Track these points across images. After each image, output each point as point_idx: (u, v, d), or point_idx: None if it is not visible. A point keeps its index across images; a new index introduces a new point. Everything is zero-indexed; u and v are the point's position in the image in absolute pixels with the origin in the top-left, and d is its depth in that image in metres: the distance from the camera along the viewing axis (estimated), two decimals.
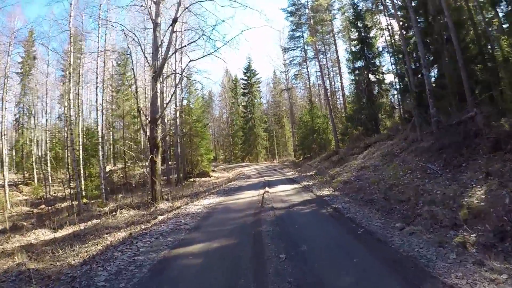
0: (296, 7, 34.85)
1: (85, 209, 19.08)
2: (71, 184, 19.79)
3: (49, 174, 30.33)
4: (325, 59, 38.75)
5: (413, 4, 13.20)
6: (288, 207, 9.72)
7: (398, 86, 24.34)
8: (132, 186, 28.43)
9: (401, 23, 15.97)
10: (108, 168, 34.48)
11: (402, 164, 10.29)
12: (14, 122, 37.63)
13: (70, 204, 18.51)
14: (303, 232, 6.88)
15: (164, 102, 19.50)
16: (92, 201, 23.32)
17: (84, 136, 27.33)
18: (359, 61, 22.93)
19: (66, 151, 23.30)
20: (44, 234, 13.19)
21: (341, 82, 35.79)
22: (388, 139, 15.69)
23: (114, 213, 14.62)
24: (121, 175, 32.36)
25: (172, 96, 19.74)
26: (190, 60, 17.35)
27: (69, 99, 19.37)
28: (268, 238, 6.64)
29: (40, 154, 35.72)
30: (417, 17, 14.07)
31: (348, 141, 22.67)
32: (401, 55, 17.51)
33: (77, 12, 22.56)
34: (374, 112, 20.46)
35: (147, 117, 16.08)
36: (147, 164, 16.11)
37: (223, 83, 63.76)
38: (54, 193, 29.64)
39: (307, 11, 31.81)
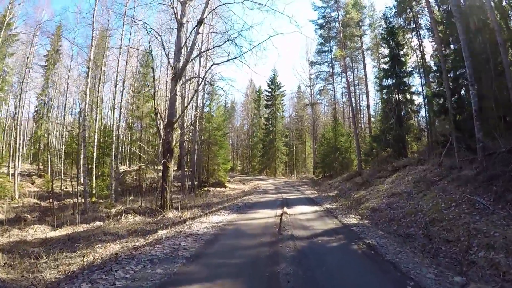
0: (326, 20, 33.91)
1: (91, 209, 18.42)
2: (80, 181, 18.99)
3: (62, 168, 30.01)
4: (352, 76, 37.66)
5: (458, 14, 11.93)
6: (311, 237, 7.97)
7: (426, 108, 23.40)
8: (144, 189, 27.83)
9: (440, 37, 14.79)
10: (122, 168, 34.09)
11: (443, 194, 8.99)
12: (35, 113, 37.68)
13: (77, 201, 17.78)
14: (334, 282, 5.04)
15: (183, 106, 18.52)
16: (101, 201, 22.79)
17: (100, 134, 26.94)
18: (389, 79, 21.75)
19: (78, 147, 22.71)
20: (42, 231, 12.67)
21: (367, 101, 34.73)
22: (418, 164, 14.47)
23: (118, 217, 13.88)
24: (134, 177, 31.70)
25: (191, 100, 18.79)
26: (213, 64, 16.47)
27: (86, 94, 18.75)
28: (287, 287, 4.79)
29: (56, 148, 35.69)
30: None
31: (372, 162, 21.39)
32: (434, 74, 16.33)
33: (103, 8, 22.33)
34: (403, 134, 19.17)
35: (163, 119, 15.34)
36: (159, 168, 15.31)
37: (247, 94, 63.36)
38: (66, 187, 29.51)
39: (337, 24, 30.76)
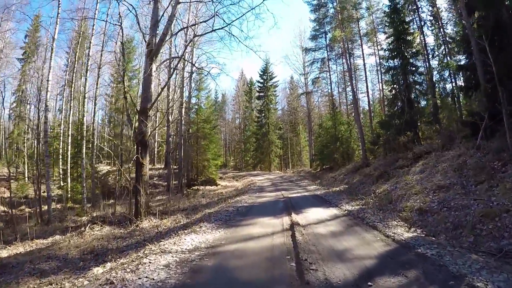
0: (322, 1, 31.61)
1: (58, 217, 15.88)
2: (40, 184, 16.41)
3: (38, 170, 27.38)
4: (348, 63, 35.30)
5: None
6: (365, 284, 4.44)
7: (438, 88, 21.31)
8: (125, 191, 25.42)
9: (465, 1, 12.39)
10: (105, 169, 31.51)
11: None
12: (11, 111, 35.02)
13: (39, 209, 15.27)
14: None
15: (159, 89, 15.77)
16: (77, 206, 20.32)
17: (77, 131, 24.30)
18: (395, 59, 19.50)
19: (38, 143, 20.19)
20: None
21: (367, 88, 32.40)
22: (444, 149, 12.15)
23: (83, 228, 11.44)
24: (118, 178, 29.11)
25: (168, 80, 16.02)
26: (195, 35, 13.90)
27: (48, 81, 16.11)
28: None
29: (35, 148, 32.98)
30: None
31: (381, 151, 19.02)
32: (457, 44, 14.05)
33: None
34: (415, 118, 16.87)
35: (136, 106, 12.87)
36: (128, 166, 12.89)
37: (238, 86, 61.09)
38: (43, 192, 27.05)
39: (335, 3, 28.25)
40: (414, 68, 19.25)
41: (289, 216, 9.61)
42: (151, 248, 6.70)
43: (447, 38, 22.05)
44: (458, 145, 11.75)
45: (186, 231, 8.34)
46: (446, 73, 21.77)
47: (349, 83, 36.85)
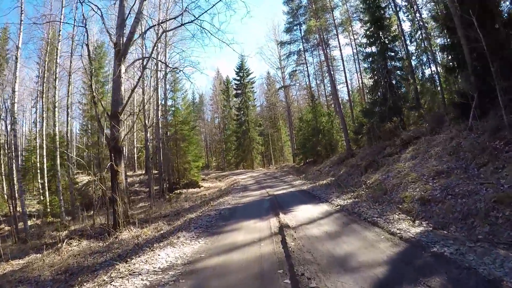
0: None
1: (36, 234, 14.86)
2: (16, 201, 15.30)
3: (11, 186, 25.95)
4: (325, 52, 34.90)
5: None
6: None
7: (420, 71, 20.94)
8: (106, 200, 24.30)
9: None
10: (85, 179, 30.17)
11: None
12: None
13: (14, 227, 14.20)
14: None
15: (129, 91, 14.74)
16: (57, 220, 19.19)
17: (51, 142, 23.03)
18: (373, 46, 19.11)
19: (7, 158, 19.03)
20: None
21: (345, 77, 31.99)
22: (433, 133, 11.69)
23: (60, 245, 10.55)
24: (100, 188, 27.83)
25: (138, 81, 14.97)
26: (164, 31, 13.08)
27: (14, 91, 14.97)
28: None
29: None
30: None
31: (365, 140, 18.55)
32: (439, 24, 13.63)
33: None
34: (399, 104, 16.45)
35: (106, 110, 11.97)
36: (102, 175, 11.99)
37: (214, 86, 60.15)
38: (28, 207, 25.85)
39: None
40: (393, 54, 18.91)
41: (277, 216, 8.75)
42: (119, 269, 5.76)
43: (424, 23, 21.81)
44: (448, 127, 11.31)
45: (162, 244, 7.40)
46: (424, 58, 21.55)
47: (326, 74, 36.83)
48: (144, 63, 12.98)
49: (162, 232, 9.55)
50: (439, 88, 19.51)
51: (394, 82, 17.68)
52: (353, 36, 32.76)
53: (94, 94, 11.67)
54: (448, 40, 12.90)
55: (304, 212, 9.13)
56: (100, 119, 11.83)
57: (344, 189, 11.85)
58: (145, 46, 21.70)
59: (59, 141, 23.75)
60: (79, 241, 10.75)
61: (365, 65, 20.65)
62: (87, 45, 12.69)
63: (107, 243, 9.79)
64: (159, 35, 13.24)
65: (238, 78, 48.24)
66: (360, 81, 32.22)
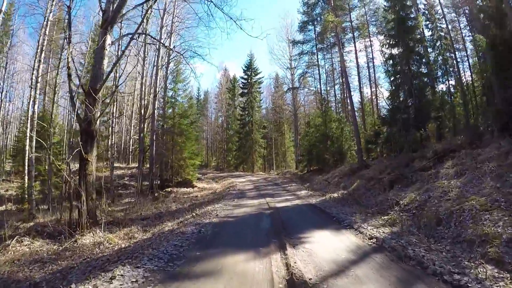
0: None
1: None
2: None
3: None
4: (342, 52, 33.00)
5: None
6: None
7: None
8: (97, 190, 22.49)
9: None
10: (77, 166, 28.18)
11: None
12: None
13: None
14: None
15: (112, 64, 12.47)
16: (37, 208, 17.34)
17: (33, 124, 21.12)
18: (396, 47, 17.21)
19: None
20: None
21: (359, 83, 30.08)
22: (473, 146, 9.68)
23: (8, 242, 8.63)
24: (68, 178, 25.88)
25: (121, 54, 12.63)
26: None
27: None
28: None
29: None
30: None
31: (376, 151, 16.53)
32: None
33: None
34: (424, 111, 14.41)
35: (82, 85, 9.99)
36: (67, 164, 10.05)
37: (221, 84, 58.25)
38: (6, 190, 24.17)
39: None
40: (418, 57, 17.03)
41: (282, 252, 5.68)
42: None
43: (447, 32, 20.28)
44: (490, 140, 9.29)
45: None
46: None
47: (337, 81, 34.97)
48: (136, 37, 10.99)
49: (131, 242, 7.54)
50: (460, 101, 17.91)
51: (418, 88, 15.72)
52: (370, 41, 30.99)
53: (69, 64, 9.70)
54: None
55: (323, 245, 6.08)
56: (73, 96, 9.85)
57: (367, 209, 9.40)
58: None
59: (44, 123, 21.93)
60: (32, 240, 8.85)
61: (386, 68, 18.63)
62: (69, 7, 10.80)
63: (61, 248, 7.89)
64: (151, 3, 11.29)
65: (246, 76, 46.34)
66: (374, 89, 30.31)
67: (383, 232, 6.70)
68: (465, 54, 22.04)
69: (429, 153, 11.02)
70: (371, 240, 6.15)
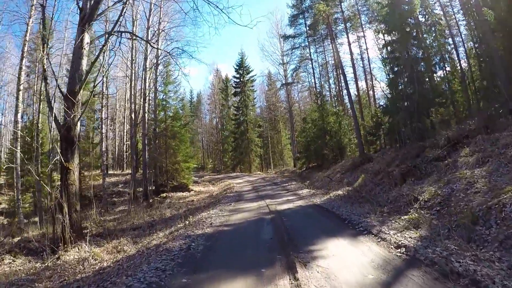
0: None
1: None
2: None
3: None
4: (335, 43, 32.29)
5: None
6: None
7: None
8: (90, 199, 21.78)
9: None
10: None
11: None
12: None
13: None
14: None
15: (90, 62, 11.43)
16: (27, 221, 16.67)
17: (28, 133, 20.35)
18: (392, 33, 16.47)
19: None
20: None
21: (354, 73, 29.22)
22: (489, 131, 8.92)
23: None
24: (83, 186, 24.98)
25: (99, 52, 11.44)
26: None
27: None
28: None
29: None
30: None
31: (378, 143, 15.77)
32: None
33: None
34: (428, 97, 13.64)
35: (60, 88, 9.16)
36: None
37: (213, 85, 57.20)
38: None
39: None
40: (416, 42, 16.31)
41: (291, 273, 4.51)
42: None
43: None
44: (510, 123, 8.56)
45: None
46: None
47: (331, 74, 34.28)
48: (119, 35, 10.11)
49: (115, 259, 6.72)
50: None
51: (419, 73, 14.99)
52: (363, 33, 30.25)
53: (45, 67, 8.88)
54: None
55: (341, 260, 4.82)
56: (51, 99, 9.00)
57: (381, 207, 8.32)
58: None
59: (31, 132, 21.02)
60: (14, 257, 8.14)
61: (383, 56, 17.86)
62: (42, 6, 9.97)
63: (43, 267, 7.13)
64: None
65: (238, 75, 45.56)
66: (370, 80, 29.62)
67: (410, 237, 5.49)
68: (460, 40, 21.44)
69: (441, 141, 10.15)
70: (399, 250, 4.94)
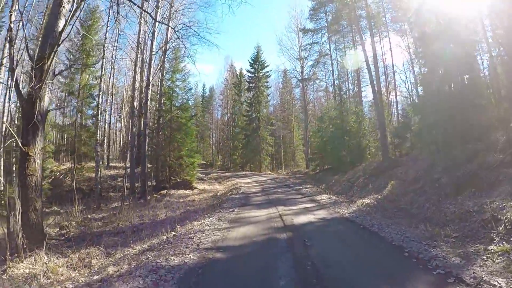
0: None
1: None
2: None
3: None
4: (361, 34, 30.22)
5: None
6: None
7: None
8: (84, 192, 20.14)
9: None
10: (66, 165, 25.74)
11: None
12: None
13: None
14: None
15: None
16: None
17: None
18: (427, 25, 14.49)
19: None
20: None
21: (377, 74, 27.11)
22: None
23: None
24: (79, 178, 23.22)
25: (75, 9, 9.17)
26: None
27: None
28: None
29: None
30: None
31: (403, 147, 13.68)
32: None
33: None
34: (470, 96, 11.49)
35: (28, 52, 7.35)
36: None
37: (226, 79, 55.35)
38: None
39: None
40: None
41: None
42: None
43: None
44: None
45: None
46: None
47: (350, 74, 32.26)
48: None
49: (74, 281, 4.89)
50: None
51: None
52: (388, 32, 28.21)
53: (11, 25, 7.10)
54: None
55: None
56: (14, 66, 7.19)
57: (440, 227, 6.03)
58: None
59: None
60: None
61: (416, 49, 15.81)
62: None
63: None
64: None
65: (252, 70, 43.43)
66: (393, 81, 27.71)
67: None
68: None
69: (499, 144, 8.06)
70: None
